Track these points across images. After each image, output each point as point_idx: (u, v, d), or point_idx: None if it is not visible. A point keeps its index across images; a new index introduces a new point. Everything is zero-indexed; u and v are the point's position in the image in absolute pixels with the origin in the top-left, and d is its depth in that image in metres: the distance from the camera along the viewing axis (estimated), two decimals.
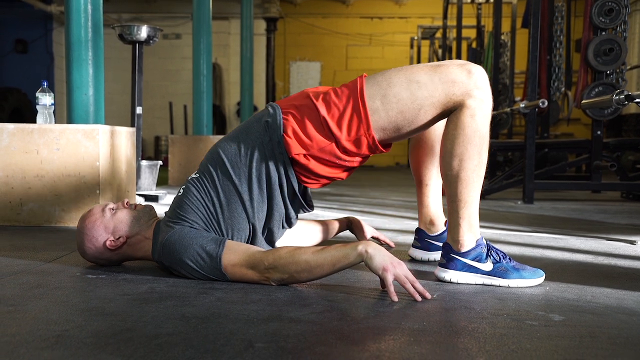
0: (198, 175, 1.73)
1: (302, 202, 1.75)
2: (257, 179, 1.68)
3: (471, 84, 1.57)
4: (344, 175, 1.73)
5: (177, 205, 1.71)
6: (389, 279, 1.44)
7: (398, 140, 1.70)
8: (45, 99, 2.93)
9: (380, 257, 1.46)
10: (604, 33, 4.27)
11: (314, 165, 1.67)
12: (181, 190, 1.74)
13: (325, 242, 2.19)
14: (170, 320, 1.26)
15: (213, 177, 1.70)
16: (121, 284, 1.60)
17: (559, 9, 5.84)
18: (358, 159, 1.69)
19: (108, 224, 1.74)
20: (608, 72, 4.27)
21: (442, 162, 1.63)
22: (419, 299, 1.44)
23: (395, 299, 1.43)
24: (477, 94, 1.57)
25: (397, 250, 2.17)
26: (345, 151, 1.65)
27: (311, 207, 1.81)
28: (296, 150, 1.65)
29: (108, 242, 1.74)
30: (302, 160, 1.66)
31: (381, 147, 1.66)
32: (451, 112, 1.62)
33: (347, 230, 2.25)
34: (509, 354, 1.09)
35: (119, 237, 1.74)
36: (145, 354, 1.06)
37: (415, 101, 1.59)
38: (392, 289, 1.44)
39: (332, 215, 3.26)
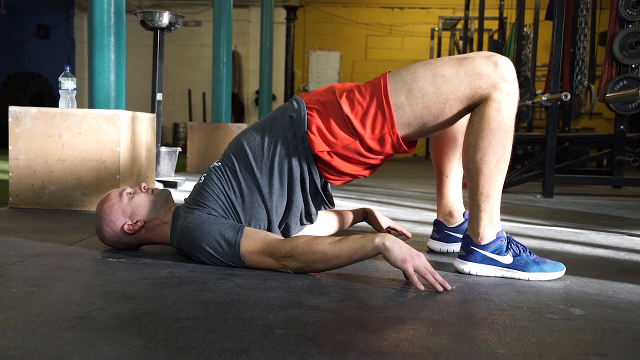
0: (220, 164, 1.74)
1: (323, 198, 1.76)
2: (278, 173, 1.68)
3: (498, 77, 1.55)
4: (366, 172, 1.73)
5: (197, 193, 1.72)
6: (410, 270, 1.44)
7: (422, 137, 1.68)
8: (67, 84, 2.96)
9: (399, 249, 1.46)
10: (630, 26, 4.19)
11: (337, 162, 1.66)
12: (202, 178, 1.75)
13: (342, 232, 2.19)
14: (190, 304, 1.27)
15: (235, 168, 1.70)
16: (141, 268, 1.62)
17: (584, 1, 5.74)
18: (382, 157, 1.69)
19: (125, 208, 1.76)
20: (633, 65, 4.20)
21: (465, 155, 1.62)
22: (440, 289, 1.43)
23: (422, 287, 1.43)
24: (503, 87, 1.55)
25: (415, 242, 2.16)
26: (369, 149, 1.65)
27: (332, 204, 1.81)
28: (320, 147, 1.65)
29: (126, 226, 1.75)
30: (326, 157, 1.65)
31: (405, 147, 1.65)
32: (477, 106, 1.60)
33: (364, 221, 2.25)
34: (529, 347, 1.08)
35: (137, 221, 1.75)
36: (167, 337, 1.07)
37: (441, 95, 1.57)
38: (415, 279, 1.43)
39: (351, 205, 3.26)
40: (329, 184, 1.77)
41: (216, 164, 1.75)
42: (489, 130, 1.56)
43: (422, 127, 1.63)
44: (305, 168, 1.68)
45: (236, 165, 1.70)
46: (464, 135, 1.65)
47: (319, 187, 1.72)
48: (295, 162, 1.67)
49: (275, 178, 1.68)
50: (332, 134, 1.64)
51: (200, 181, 1.75)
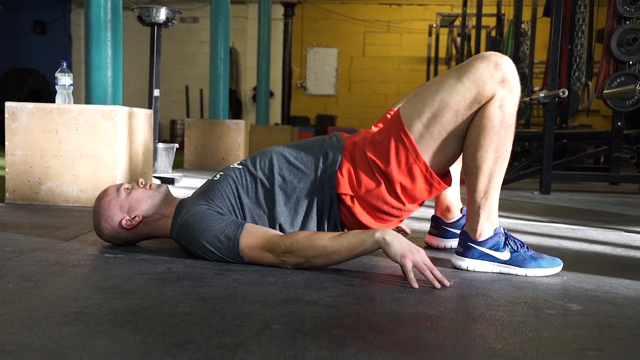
0: (241, 167, 1.74)
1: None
2: (296, 199, 1.68)
3: (499, 76, 1.54)
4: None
5: (209, 188, 1.72)
6: (408, 266, 1.44)
7: (450, 163, 1.66)
8: (64, 79, 2.95)
9: (399, 244, 1.46)
10: (628, 22, 4.19)
11: (358, 209, 1.66)
12: (217, 176, 1.75)
13: None
14: (187, 300, 1.27)
15: (255, 177, 1.70)
16: (138, 263, 1.62)
17: None
18: (406, 208, 1.67)
19: (123, 204, 1.76)
20: (631, 62, 4.20)
21: (466, 152, 1.61)
22: (438, 286, 1.43)
23: (416, 285, 1.42)
24: (505, 85, 1.54)
25: (413, 237, 2.16)
26: (396, 195, 1.63)
27: None
28: (344, 189, 1.65)
29: (124, 222, 1.75)
30: (348, 201, 1.66)
31: (437, 177, 1.63)
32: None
33: None
34: (526, 342, 1.08)
35: (135, 217, 1.75)
36: (164, 332, 1.07)
37: (451, 109, 1.57)
38: (411, 275, 1.43)
39: None
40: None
41: (237, 166, 1.75)
42: (490, 128, 1.55)
43: (446, 148, 1.61)
44: (328, 205, 1.68)
45: (258, 175, 1.70)
46: (466, 133, 1.64)
47: (339, 226, 1.72)
48: (317, 197, 1.68)
49: (291, 203, 1.68)
50: (357, 180, 1.65)
51: (215, 178, 1.74)
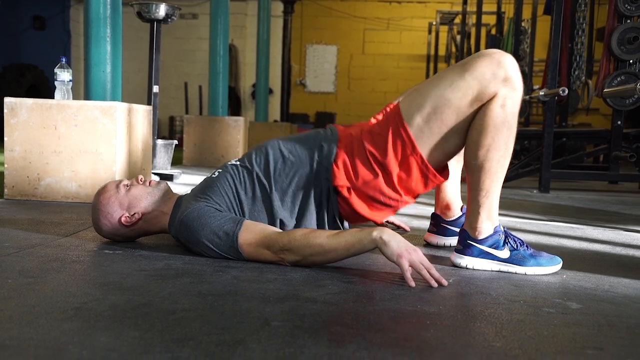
0: (239, 163, 1.74)
1: (342, 228, 1.74)
2: (292, 193, 1.69)
3: (502, 75, 1.53)
4: (380, 220, 1.73)
5: (207, 185, 1.72)
6: (405, 265, 1.43)
7: (448, 157, 1.67)
8: (63, 75, 2.94)
9: (395, 243, 1.45)
10: (629, 21, 4.19)
11: (355, 200, 1.67)
12: (216, 173, 1.75)
13: None
14: (186, 296, 1.27)
15: (252, 173, 1.70)
16: (138, 259, 1.61)
17: None
18: (402, 199, 1.67)
19: (123, 200, 1.75)
20: (631, 61, 4.20)
21: (467, 150, 1.60)
22: (435, 285, 1.43)
23: (413, 284, 1.42)
24: (508, 84, 1.53)
25: (413, 235, 2.16)
26: (392, 186, 1.64)
27: None
28: (341, 181, 1.66)
29: (123, 219, 1.74)
30: (345, 192, 1.66)
31: (433, 170, 1.63)
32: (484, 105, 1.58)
33: None
34: (526, 340, 1.08)
35: (134, 214, 1.74)
36: (163, 328, 1.06)
37: (452, 105, 1.56)
38: (408, 275, 1.43)
39: None
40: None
41: (234, 163, 1.75)
42: (492, 127, 1.55)
43: (445, 144, 1.61)
44: (325, 197, 1.68)
45: (255, 170, 1.70)
46: (469, 131, 1.63)
47: (337, 219, 1.72)
48: (313, 190, 1.68)
49: (287, 197, 1.69)
50: (354, 171, 1.65)
51: (214, 176, 1.74)
